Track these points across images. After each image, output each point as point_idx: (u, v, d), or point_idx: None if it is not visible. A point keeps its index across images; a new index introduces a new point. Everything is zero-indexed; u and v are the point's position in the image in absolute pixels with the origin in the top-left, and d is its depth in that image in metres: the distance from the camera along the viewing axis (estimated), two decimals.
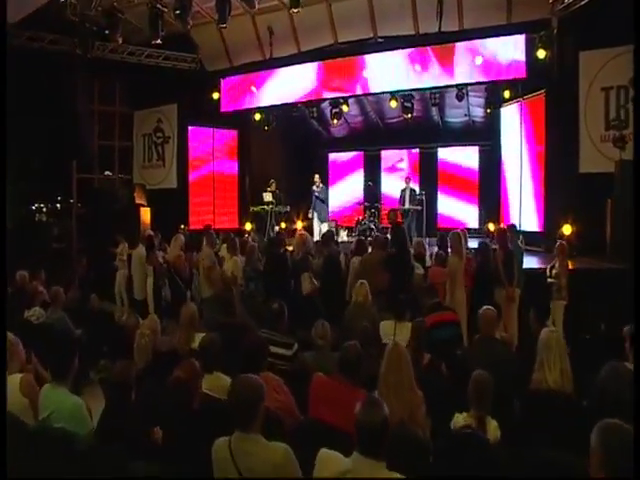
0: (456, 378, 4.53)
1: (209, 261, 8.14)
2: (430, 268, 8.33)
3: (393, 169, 18.67)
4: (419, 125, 17.40)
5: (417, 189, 14.74)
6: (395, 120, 17.80)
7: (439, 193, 17.79)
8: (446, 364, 4.77)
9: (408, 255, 8.11)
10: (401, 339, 5.74)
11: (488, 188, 16.77)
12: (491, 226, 13.72)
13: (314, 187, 14.07)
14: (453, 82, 12.89)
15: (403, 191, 14.12)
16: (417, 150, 18.38)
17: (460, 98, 14.23)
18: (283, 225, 15.55)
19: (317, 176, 14.34)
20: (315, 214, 14.04)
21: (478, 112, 16.73)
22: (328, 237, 8.75)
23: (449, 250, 8.55)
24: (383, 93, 14.27)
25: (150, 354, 4.59)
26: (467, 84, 13.07)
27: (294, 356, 5.01)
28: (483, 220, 17.17)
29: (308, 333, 5.65)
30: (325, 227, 13.79)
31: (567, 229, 11.20)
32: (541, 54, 11.91)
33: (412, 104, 14.87)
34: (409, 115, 14.85)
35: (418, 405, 3.75)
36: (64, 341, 3.74)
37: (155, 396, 3.60)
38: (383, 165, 18.84)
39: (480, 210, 17.54)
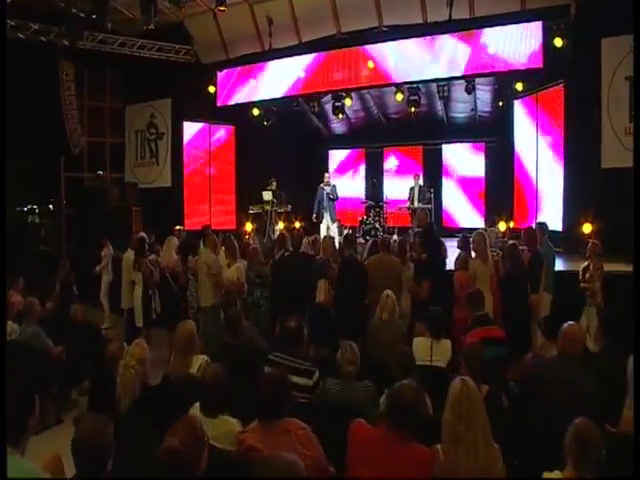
0: (520, 415, 3.55)
1: (215, 267, 7.14)
2: (455, 273, 7.36)
3: (397, 167, 17.68)
4: (423, 121, 16.49)
5: (425, 186, 13.66)
6: (398, 115, 16.90)
7: (443, 191, 16.87)
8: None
9: (443, 262, 7.14)
10: (439, 360, 4.79)
11: (495, 186, 15.92)
12: (502, 226, 12.77)
13: (323, 185, 12.93)
14: (465, 73, 11.90)
15: (411, 189, 13.13)
16: (421, 146, 17.51)
17: (469, 91, 13.35)
18: (282, 225, 14.55)
19: (327, 174, 13.32)
20: (326, 214, 12.91)
21: (485, 106, 15.83)
22: (351, 240, 7.74)
23: (473, 253, 7.58)
24: (390, 85, 13.26)
25: (137, 390, 3.59)
26: (480, 75, 12.14)
27: (316, 386, 4.04)
28: (490, 219, 16.27)
29: (321, 350, 4.69)
30: (335, 227, 12.72)
31: (587, 228, 10.28)
32: (558, 42, 10.99)
33: (419, 97, 13.97)
34: (415, 109, 13.92)
35: (495, 461, 2.79)
36: (23, 394, 2.74)
37: (141, 463, 2.60)
38: (385, 163, 17.89)
39: (486, 209, 16.60)
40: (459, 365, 4.84)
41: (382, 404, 3.90)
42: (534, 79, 12.23)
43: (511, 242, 7.42)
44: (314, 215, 12.94)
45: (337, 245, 8.67)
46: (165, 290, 7.53)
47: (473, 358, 3.85)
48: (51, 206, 15.16)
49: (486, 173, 16.73)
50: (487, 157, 16.72)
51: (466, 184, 16.91)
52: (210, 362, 4.32)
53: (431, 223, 7.44)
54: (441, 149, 17.29)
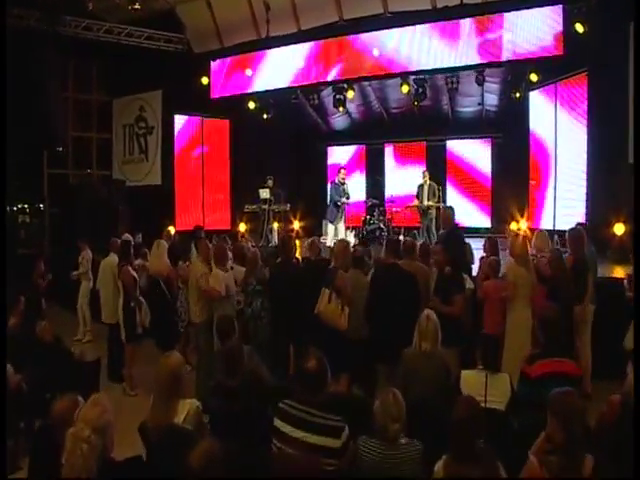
0: None
1: (206, 282, 5.95)
2: (484, 282, 6.23)
3: (400, 164, 16.60)
4: (427, 116, 15.51)
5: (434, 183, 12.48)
6: (401, 110, 15.83)
7: (447, 189, 15.75)
8: None
9: (468, 272, 6.00)
10: (496, 401, 3.67)
11: (503, 184, 14.87)
12: (514, 226, 11.67)
13: (337, 182, 11.77)
14: (480, 61, 10.80)
15: (421, 186, 11.98)
16: (424, 143, 16.43)
17: (480, 82, 12.27)
18: (276, 225, 13.42)
19: (344, 170, 12.09)
20: (339, 215, 11.78)
21: (492, 100, 14.78)
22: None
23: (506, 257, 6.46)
24: (396, 76, 12.15)
25: (93, 471, 2.40)
26: (494, 64, 11.01)
27: (345, 448, 2.90)
28: (497, 219, 15.23)
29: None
30: (343, 230, 11.51)
31: (619, 228, 9.23)
32: (579, 28, 9.91)
33: (425, 89, 12.84)
34: (421, 102, 12.83)
35: None
36: None
37: None
38: (387, 159, 16.83)
39: (493, 208, 15.54)
40: (520, 406, 3.73)
41: (437, 473, 2.79)
42: (550, 68, 11.14)
43: (555, 247, 6.29)
44: (329, 218, 11.77)
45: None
46: (157, 300, 6.36)
47: (572, 413, 2.69)
48: (42, 205, 13.95)
49: (493, 170, 15.75)
50: (494, 154, 15.71)
51: (471, 182, 15.88)
52: (201, 411, 3.17)
53: (456, 225, 6.25)
54: (445, 145, 16.27)
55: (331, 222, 11.28)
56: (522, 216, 12.43)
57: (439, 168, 15.91)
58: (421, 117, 15.59)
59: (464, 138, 16.04)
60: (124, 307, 6.21)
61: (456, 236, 6.08)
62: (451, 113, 15.69)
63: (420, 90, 12.79)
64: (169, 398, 3.18)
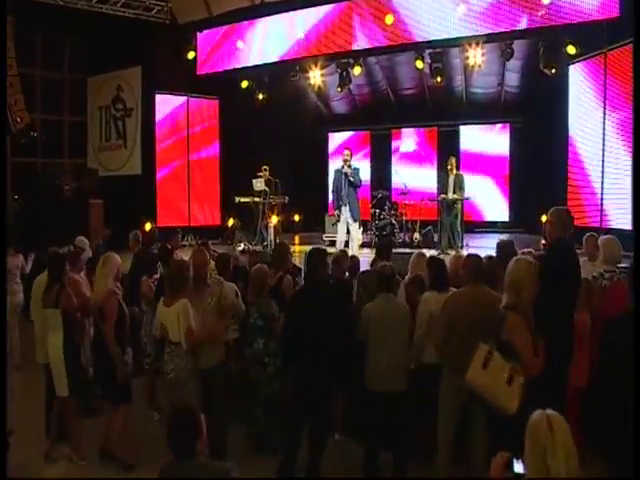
0: None
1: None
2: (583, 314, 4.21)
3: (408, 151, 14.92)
4: (438, 98, 13.81)
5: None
6: (410, 92, 14.15)
7: None
8: None
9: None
10: None
11: (524, 174, 13.26)
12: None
13: (342, 166, 8.90)
14: (515, 28, 8.84)
15: (445, 176, 9.94)
16: (435, 128, 14.72)
17: (508, 57, 10.33)
18: (275, 220, 11.46)
19: (347, 151, 9.07)
20: (345, 208, 8.84)
21: (513, 80, 12.90)
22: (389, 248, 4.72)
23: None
24: (412, 46, 10.16)
25: None
26: (534, 31, 9.01)
27: None
28: (517, 213, 13.49)
29: None
30: (357, 229, 8.90)
31: None
32: None
33: (443, 65, 10.88)
34: (442, 79, 10.86)
35: None
36: None
37: None
38: (394, 146, 15.07)
39: (511, 201, 13.94)
40: None
41: None
42: (595, 39, 9.16)
43: None
44: (336, 212, 9.06)
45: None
46: (99, 340, 4.37)
47: None
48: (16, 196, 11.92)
49: (511, 160, 14.09)
50: (513, 140, 14.04)
51: (487, 172, 14.11)
52: None
53: (565, 238, 3.96)
54: (458, 131, 14.58)
55: (338, 220, 8.96)
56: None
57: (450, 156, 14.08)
58: (432, 100, 14.08)
59: (479, 123, 14.47)
60: (64, 346, 4.23)
61: (567, 253, 3.82)
62: (465, 95, 13.96)
63: (437, 65, 10.85)
64: None
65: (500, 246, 4.59)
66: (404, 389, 3.93)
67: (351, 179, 8.66)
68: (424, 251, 6.12)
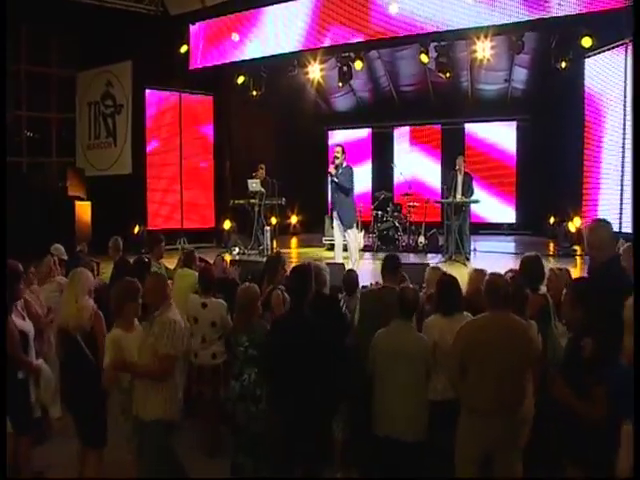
0: None
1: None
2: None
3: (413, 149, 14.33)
4: (442, 95, 13.26)
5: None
6: (413, 88, 13.65)
7: None
8: None
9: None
10: None
11: (531, 173, 12.70)
12: (571, 227, 9.08)
13: (332, 168, 7.74)
14: (530, 18, 8.14)
15: (453, 176, 9.21)
16: (439, 126, 14.15)
17: (519, 50, 9.64)
18: (274, 221, 10.81)
19: (338, 148, 7.80)
20: (334, 214, 7.78)
21: (521, 75, 12.31)
22: (397, 263, 3.98)
23: None
24: (419, 38, 9.41)
25: None
26: (555, 20, 8.24)
27: None
28: (524, 214, 12.99)
29: None
30: (353, 236, 7.74)
31: None
32: None
33: (449, 59, 10.18)
34: (448, 74, 10.26)
35: None
36: None
37: None
38: (396, 145, 14.49)
39: (518, 202, 13.36)
40: None
41: None
42: (615, 27, 8.46)
43: None
44: (333, 216, 8.01)
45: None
46: (73, 367, 3.66)
47: None
48: None
49: (518, 158, 13.52)
50: (520, 138, 13.46)
51: (493, 171, 13.54)
52: None
53: (614, 259, 3.22)
54: (463, 129, 14.02)
55: (332, 226, 8.04)
56: (569, 213, 9.83)
57: (456, 155, 13.35)
58: (436, 96, 13.52)
59: (485, 121, 13.92)
60: (10, 379, 3.55)
61: (617, 277, 3.09)
62: (471, 91, 13.39)
63: (443, 60, 10.13)
64: None
65: (525, 263, 3.88)
66: (421, 439, 3.26)
67: (335, 179, 7.53)
68: (436, 263, 5.45)
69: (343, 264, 6.30)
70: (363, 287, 4.78)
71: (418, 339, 3.29)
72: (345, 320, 3.95)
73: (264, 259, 5.60)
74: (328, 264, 4.94)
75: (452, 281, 3.67)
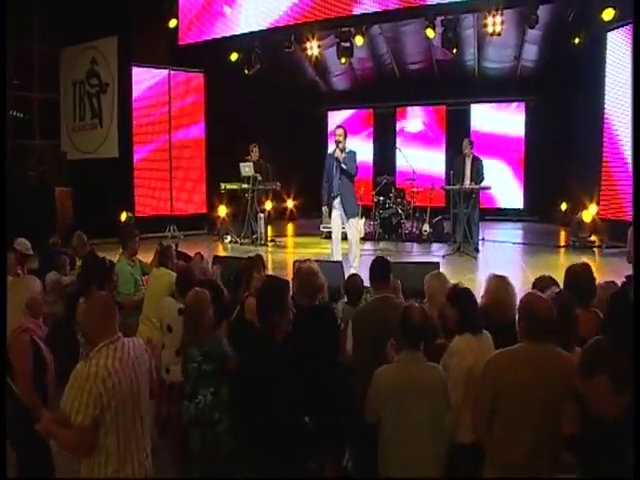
0: None
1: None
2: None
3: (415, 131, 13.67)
4: (447, 73, 12.57)
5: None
6: (417, 66, 12.92)
7: None
8: None
9: None
10: None
11: (541, 157, 12.03)
12: (586, 216, 8.36)
13: (333, 150, 6.95)
14: None
15: (460, 160, 8.45)
16: (444, 107, 13.49)
17: (533, 23, 8.84)
18: (269, 205, 10.17)
19: (340, 130, 6.92)
20: (337, 201, 6.84)
21: (531, 53, 11.54)
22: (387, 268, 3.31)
23: None
24: (424, 10, 8.64)
25: None
26: None
27: None
28: (532, 200, 12.50)
29: None
30: (352, 227, 6.85)
31: None
32: None
33: (456, 33, 9.42)
34: (455, 50, 9.48)
35: None
36: None
37: None
38: (399, 126, 13.83)
39: (526, 186, 12.74)
40: None
41: None
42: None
43: None
44: (324, 208, 7.04)
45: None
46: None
47: None
48: None
49: (527, 141, 12.86)
50: (529, 120, 12.79)
51: (501, 155, 12.84)
52: None
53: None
54: (469, 109, 13.32)
55: (328, 215, 7.21)
56: (584, 201, 9.10)
57: (461, 137, 12.61)
58: (441, 75, 12.85)
59: (493, 101, 13.25)
60: None
61: None
62: (477, 70, 12.67)
63: (450, 34, 9.36)
64: None
65: (571, 275, 3.15)
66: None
67: (343, 166, 6.71)
68: (443, 254, 4.74)
69: (341, 262, 5.59)
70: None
71: (432, 371, 2.60)
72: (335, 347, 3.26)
73: (253, 253, 4.89)
74: (325, 262, 4.29)
75: (470, 296, 2.96)
